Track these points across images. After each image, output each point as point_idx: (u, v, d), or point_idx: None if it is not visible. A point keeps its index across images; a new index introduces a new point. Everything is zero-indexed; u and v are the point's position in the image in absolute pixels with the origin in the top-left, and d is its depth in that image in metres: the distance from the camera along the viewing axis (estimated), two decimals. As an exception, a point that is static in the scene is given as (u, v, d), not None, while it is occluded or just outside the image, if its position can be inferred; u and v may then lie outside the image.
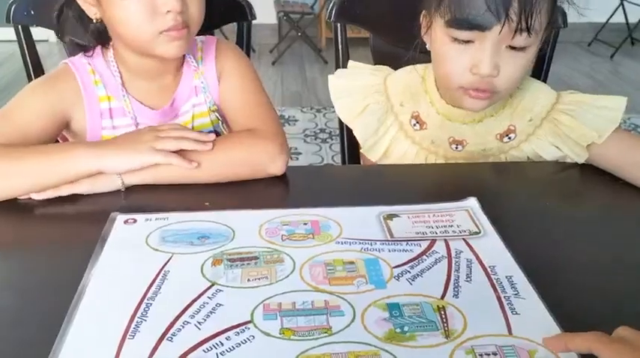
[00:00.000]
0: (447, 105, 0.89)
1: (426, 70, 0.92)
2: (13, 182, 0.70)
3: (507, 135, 0.89)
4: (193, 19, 0.79)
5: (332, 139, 2.66)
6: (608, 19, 3.87)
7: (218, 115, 0.89)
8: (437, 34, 0.82)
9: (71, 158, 0.71)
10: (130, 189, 0.73)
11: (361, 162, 1.05)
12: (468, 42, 0.78)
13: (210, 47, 0.90)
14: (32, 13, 1.02)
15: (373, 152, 0.92)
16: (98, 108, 0.84)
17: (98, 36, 0.84)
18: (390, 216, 0.69)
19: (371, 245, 0.63)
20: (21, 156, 0.71)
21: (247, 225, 0.66)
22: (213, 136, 0.78)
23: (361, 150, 0.94)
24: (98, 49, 0.86)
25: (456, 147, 0.90)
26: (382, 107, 0.92)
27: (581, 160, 0.85)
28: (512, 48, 0.78)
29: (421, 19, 0.87)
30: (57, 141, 0.85)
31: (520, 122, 0.89)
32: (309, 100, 3.15)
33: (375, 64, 1.09)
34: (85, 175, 0.71)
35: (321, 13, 3.90)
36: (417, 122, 0.90)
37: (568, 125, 0.86)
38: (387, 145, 0.91)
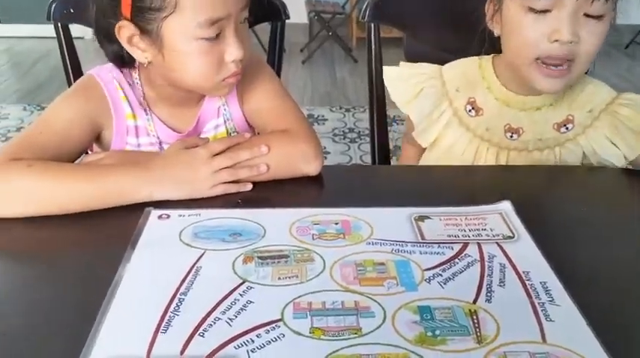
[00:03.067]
0: (507, 91, 0.89)
1: (482, 60, 0.93)
2: (60, 203, 0.68)
3: (565, 125, 0.89)
4: (245, 61, 0.79)
5: (360, 139, 2.65)
6: (648, 21, 3.76)
7: None
8: (511, 9, 0.82)
9: (127, 191, 0.69)
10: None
11: (395, 160, 1.06)
12: (545, 11, 0.79)
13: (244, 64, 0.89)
14: (72, 11, 1.04)
15: (424, 136, 0.93)
16: (125, 124, 0.84)
17: (120, 62, 0.81)
18: (422, 218, 0.68)
19: (402, 246, 0.63)
20: (71, 177, 0.69)
21: (278, 223, 0.67)
22: (249, 135, 0.79)
23: (413, 133, 0.94)
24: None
25: (511, 136, 0.90)
26: (437, 91, 0.92)
27: (633, 155, 0.85)
28: (589, 16, 0.78)
29: (487, 5, 0.88)
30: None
31: (579, 112, 0.89)
32: (338, 100, 3.15)
33: (409, 64, 1.09)
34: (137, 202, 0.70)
35: (352, 12, 3.89)
36: (473, 108, 0.91)
37: (627, 116, 0.87)
38: (439, 130, 0.92)
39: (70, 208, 0.68)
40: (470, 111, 0.91)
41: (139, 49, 0.76)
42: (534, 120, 0.89)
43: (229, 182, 0.73)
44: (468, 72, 0.93)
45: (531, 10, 0.79)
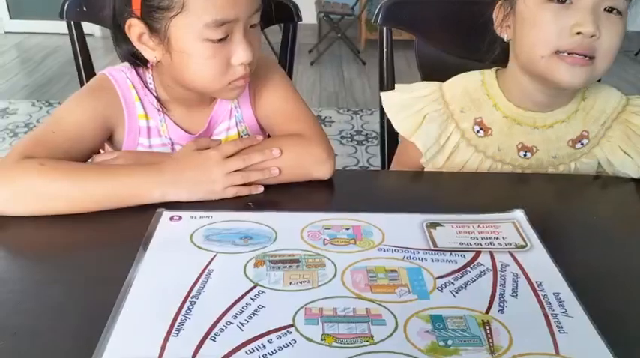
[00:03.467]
0: (516, 108, 0.86)
1: (484, 74, 0.90)
2: (72, 202, 0.68)
3: (580, 141, 0.87)
4: (254, 65, 0.79)
5: (368, 141, 2.65)
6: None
7: None
8: (528, 6, 0.80)
9: (141, 192, 0.70)
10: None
11: (392, 166, 1.04)
12: (565, 2, 0.77)
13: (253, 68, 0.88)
14: (85, 10, 1.04)
15: (434, 162, 0.89)
16: (137, 124, 0.84)
17: (132, 61, 0.82)
18: (434, 225, 0.68)
19: (414, 253, 0.63)
20: (84, 176, 0.69)
21: (289, 227, 0.67)
22: (261, 138, 0.79)
23: (421, 161, 0.90)
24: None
25: (524, 154, 0.87)
26: (442, 114, 0.89)
27: None
28: (609, 11, 0.77)
29: (495, 11, 0.86)
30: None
31: (594, 126, 0.87)
32: (346, 101, 3.14)
33: (421, 68, 1.09)
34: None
35: (361, 14, 3.89)
36: (481, 128, 0.87)
37: (639, 125, 0.85)
38: (448, 155, 0.89)
39: (81, 207, 0.68)
40: (478, 131, 0.88)
41: (148, 48, 0.76)
42: (548, 137, 0.87)
43: (241, 184, 0.73)
44: (470, 90, 0.89)
45: (550, 1, 0.77)
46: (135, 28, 0.75)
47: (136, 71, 0.84)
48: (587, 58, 0.78)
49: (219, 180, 0.72)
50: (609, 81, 0.98)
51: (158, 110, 0.84)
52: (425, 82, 0.93)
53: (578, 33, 0.76)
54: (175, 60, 0.75)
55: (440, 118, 0.89)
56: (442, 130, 0.89)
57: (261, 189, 0.74)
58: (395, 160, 1.02)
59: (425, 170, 0.91)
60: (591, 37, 0.76)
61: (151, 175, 0.71)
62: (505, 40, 0.86)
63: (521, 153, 0.87)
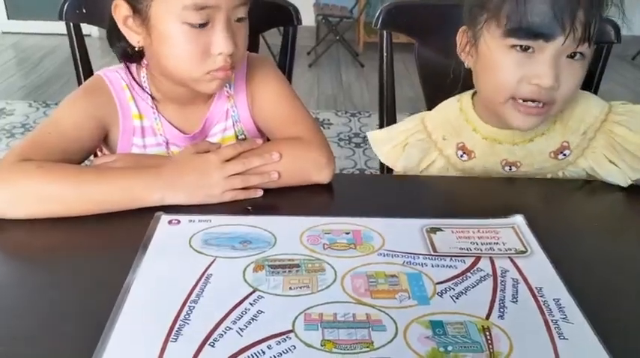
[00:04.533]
0: (492, 128, 0.87)
1: (461, 100, 0.91)
2: (70, 204, 0.67)
3: (562, 152, 0.87)
4: (239, 59, 0.79)
5: (366, 144, 2.65)
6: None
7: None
8: (489, 45, 0.79)
9: (139, 196, 0.69)
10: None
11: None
12: (526, 50, 0.76)
13: (242, 66, 0.88)
14: (84, 11, 1.04)
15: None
16: (131, 124, 0.84)
17: (126, 57, 0.82)
18: (434, 230, 0.68)
19: (414, 258, 0.63)
20: (82, 179, 0.69)
21: (289, 232, 0.66)
22: (260, 142, 0.78)
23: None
24: (133, 66, 0.84)
25: (510, 169, 0.88)
26: (424, 143, 0.90)
27: (636, 175, 0.82)
28: (572, 57, 0.76)
29: (458, 36, 0.85)
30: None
31: (573, 137, 0.87)
32: (344, 104, 3.14)
33: (421, 72, 1.09)
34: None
35: (359, 17, 3.89)
36: (464, 153, 0.88)
37: (623, 136, 0.84)
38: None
39: (80, 210, 0.68)
40: (462, 156, 0.88)
41: (132, 32, 0.77)
42: (529, 152, 0.87)
43: (240, 188, 0.73)
44: (450, 117, 0.90)
45: (513, 47, 0.76)
46: (120, 9, 0.76)
47: (131, 70, 0.84)
48: (542, 105, 0.78)
49: (218, 184, 0.72)
50: (605, 85, 0.98)
51: (152, 108, 0.84)
52: (408, 117, 0.94)
53: (536, 84, 0.76)
54: (155, 43, 0.75)
55: (422, 146, 0.90)
56: (424, 155, 0.90)
57: (260, 193, 0.74)
58: None
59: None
60: (549, 88, 0.76)
61: (149, 178, 0.70)
62: (466, 67, 0.86)
63: (507, 168, 0.88)
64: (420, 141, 0.90)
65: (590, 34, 0.74)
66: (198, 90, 0.80)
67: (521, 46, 0.76)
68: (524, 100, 0.78)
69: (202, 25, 0.73)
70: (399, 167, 0.91)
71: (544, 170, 0.88)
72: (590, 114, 0.86)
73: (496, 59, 0.79)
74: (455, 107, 0.91)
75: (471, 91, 0.90)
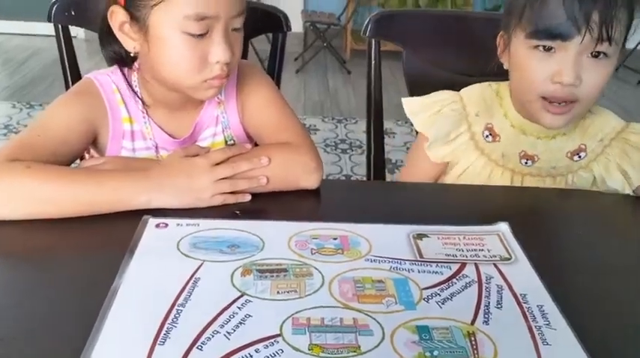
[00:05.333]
0: (523, 119, 0.91)
1: (499, 86, 0.94)
2: (58, 205, 0.67)
3: (578, 154, 0.91)
4: (234, 66, 0.80)
5: (352, 150, 2.66)
6: (637, 46, 3.83)
7: None
8: (517, 48, 0.84)
9: (128, 197, 0.69)
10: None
11: (401, 174, 1.06)
12: (549, 50, 0.80)
13: (232, 72, 0.87)
14: (73, 13, 1.04)
15: (435, 152, 0.93)
16: (121, 128, 0.84)
17: (116, 62, 0.83)
18: (420, 236, 0.68)
19: (400, 264, 0.63)
20: (70, 181, 0.68)
21: (277, 236, 0.67)
22: (249, 146, 0.79)
23: (425, 146, 0.94)
24: (124, 69, 0.84)
25: (526, 162, 0.91)
26: (457, 113, 0.93)
27: None
28: (595, 56, 0.80)
29: (498, 40, 0.90)
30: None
31: (591, 141, 0.91)
32: (330, 110, 3.16)
33: (408, 80, 1.10)
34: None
35: (347, 24, 3.92)
36: (490, 134, 0.92)
37: (637, 141, 0.89)
38: (452, 150, 0.93)
39: (67, 211, 0.68)
40: (487, 136, 0.92)
41: (128, 37, 0.77)
42: (549, 148, 0.91)
43: (229, 193, 0.73)
44: (486, 97, 0.94)
45: (536, 47, 0.81)
46: (117, 15, 0.76)
47: (122, 73, 0.83)
48: (568, 104, 0.82)
49: (207, 188, 0.72)
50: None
51: (142, 113, 0.84)
52: (446, 91, 0.96)
53: (558, 82, 0.80)
54: (152, 50, 0.76)
55: (454, 117, 0.93)
56: (454, 127, 0.93)
57: (248, 198, 0.74)
58: (407, 168, 1.05)
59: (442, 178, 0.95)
60: (571, 85, 0.80)
61: (137, 180, 0.70)
62: (505, 68, 0.90)
63: (523, 160, 0.91)
64: (453, 112, 0.93)
65: (609, 33, 0.77)
66: (194, 97, 0.80)
67: (543, 46, 0.80)
68: (551, 101, 0.82)
69: (201, 35, 0.74)
70: (429, 135, 0.93)
71: (557, 170, 0.92)
72: (609, 125, 0.92)
73: (523, 59, 0.84)
74: (490, 90, 0.95)
75: (506, 82, 0.94)
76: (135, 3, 0.74)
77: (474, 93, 0.95)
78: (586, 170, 0.91)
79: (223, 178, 0.73)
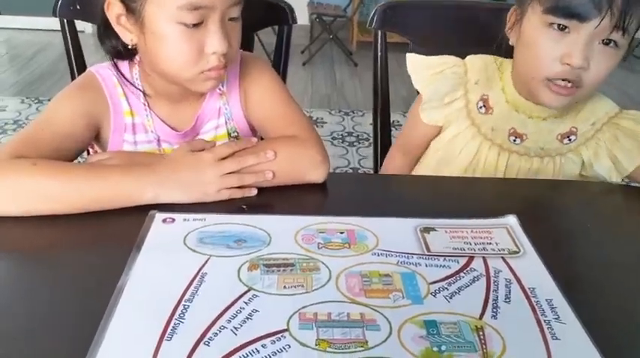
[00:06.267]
0: (518, 96, 0.90)
1: (503, 61, 0.94)
2: (65, 202, 0.67)
3: (568, 137, 0.91)
4: (232, 58, 0.79)
5: (359, 143, 2.65)
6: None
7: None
8: (531, 22, 0.83)
9: (135, 193, 0.69)
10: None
11: (393, 146, 1.06)
12: (563, 30, 0.80)
13: (235, 64, 0.88)
14: (78, 7, 1.03)
15: (428, 113, 0.94)
16: (123, 121, 0.84)
17: (116, 55, 0.82)
18: (427, 230, 0.68)
19: (407, 258, 0.63)
20: (76, 176, 0.68)
21: (283, 231, 0.66)
22: (255, 140, 0.78)
23: (419, 108, 0.95)
24: (125, 63, 0.84)
25: (514, 140, 0.91)
26: (457, 77, 0.94)
27: (632, 166, 0.87)
28: (606, 44, 0.79)
29: (509, 14, 0.89)
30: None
31: (582, 125, 0.91)
32: (337, 103, 3.15)
33: (415, 72, 1.09)
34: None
35: (353, 16, 3.89)
36: (484, 106, 0.92)
37: (628, 127, 0.89)
38: (445, 114, 0.93)
39: (74, 208, 0.68)
40: (480, 107, 0.92)
41: (126, 30, 0.77)
42: (539, 129, 0.91)
43: (235, 187, 0.73)
44: (489, 68, 0.94)
45: (551, 25, 0.80)
46: (113, 7, 0.75)
47: (120, 68, 0.83)
48: (571, 86, 0.82)
49: (213, 182, 0.72)
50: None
51: (144, 105, 0.84)
52: (452, 56, 0.97)
53: (567, 63, 0.80)
54: (149, 42, 0.75)
55: (454, 80, 0.93)
56: (451, 90, 0.93)
57: (254, 192, 0.74)
58: (402, 130, 1.05)
59: (410, 155, 0.99)
60: (579, 68, 0.79)
61: (143, 176, 0.70)
62: (510, 44, 0.90)
63: (512, 138, 0.92)
64: (454, 75, 0.94)
65: (625, 22, 0.77)
66: (193, 90, 0.80)
67: (558, 25, 0.80)
68: (555, 80, 0.82)
69: (196, 25, 0.73)
70: (424, 94, 0.94)
71: (545, 151, 0.91)
72: (602, 109, 0.91)
73: (535, 36, 0.83)
74: (494, 63, 0.94)
75: (511, 59, 0.93)
76: None
77: (478, 62, 0.95)
78: (575, 153, 0.91)
79: (230, 173, 0.73)
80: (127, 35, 0.77)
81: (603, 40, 0.79)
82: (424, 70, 0.96)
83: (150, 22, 0.74)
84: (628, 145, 0.88)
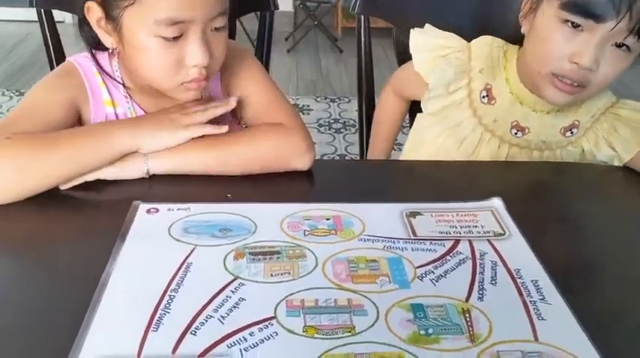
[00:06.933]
0: (523, 88, 0.89)
1: (508, 49, 0.92)
2: (49, 169, 0.67)
3: (570, 130, 0.90)
4: (214, 69, 0.77)
5: (346, 130, 2.65)
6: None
7: None
8: (545, 15, 0.81)
9: (111, 139, 0.70)
10: (152, 179, 0.73)
11: (368, 153, 1.06)
12: (577, 27, 0.77)
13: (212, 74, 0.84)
14: (55, -3, 1.01)
15: (432, 103, 0.92)
16: (103, 111, 0.82)
17: (94, 46, 0.80)
18: (413, 214, 0.68)
19: (394, 243, 0.63)
20: (55, 142, 0.69)
21: (269, 219, 0.66)
22: (235, 97, 0.80)
23: (422, 99, 0.94)
24: (104, 55, 0.82)
25: (516, 133, 0.90)
26: (462, 64, 0.91)
27: (629, 155, 0.86)
28: (618, 47, 0.77)
29: (524, 2, 0.86)
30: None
31: (584, 118, 0.90)
32: (323, 90, 3.13)
33: (399, 57, 1.08)
34: (121, 156, 0.71)
35: (337, 2, 3.87)
36: (487, 95, 0.90)
37: (625, 116, 0.88)
38: (447, 104, 0.92)
39: (60, 174, 0.68)
40: (484, 97, 0.90)
41: (106, 33, 0.75)
42: (543, 122, 0.89)
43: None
44: (494, 56, 0.91)
45: (565, 22, 0.78)
46: (93, 12, 0.73)
47: (98, 60, 0.82)
48: (576, 86, 0.80)
49: (179, 118, 0.74)
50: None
51: (125, 97, 0.83)
52: (457, 37, 0.94)
53: (575, 62, 0.78)
54: (127, 51, 0.74)
55: (458, 67, 0.91)
56: (455, 79, 0.91)
57: (225, 129, 0.75)
58: (388, 87, 1.05)
59: (405, 98, 0.99)
60: (588, 69, 0.78)
61: (124, 127, 0.73)
62: (522, 32, 0.87)
63: (514, 131, 0.90)
64: (458, 61, 0.91)
65: None
66: (173, 97, 0.79)
67: (572, 22, 0.77)
68: (561, 77, 0.80)
69: (176, 38, 0.71)
70: (430, 81, 0.92)
71: (546, 144, 0.90)
72: (601, 101, 0.90)
73: (547, 30, 0.80)
74: (499, 49, 0.92)
75: (518, 47, 0.91)
76: (109, 2, 0.71)
77: (484, 48, 0.92)
78: (575, 145, 0.91)
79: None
80: (107, 39, 0.75)
81: (616, 43, 0.77)
82: (428, 51, 0.93)
83: (128, 32, 0.71)
84: (625, 134, 0.87)
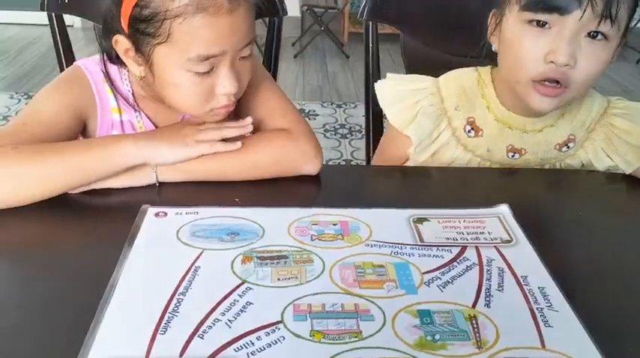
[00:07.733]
0: (507, 112, 0.86)
1: (480, 72, 0.89)
2: (54, 179, 0.68)
3: (567, 145, 0.88)
4: (240, 94, 0.78)
5: (352, 135, 2.65)
6: (636, 24, 3.79)
7: None
8: (510, 23, 0.78)
9: (118, 152, 0.70)
10: (161, 183, 0.73)
11: (374, 157, 1.05)
12: (544, 25, 0.74)
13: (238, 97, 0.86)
14: (66, 1, 1.02)
15: (422, 155, 0.89)
16: (110, 117, 0.83)
17: (109, 56, 0.80)
18: (420, 220, 0.68)
19: (401, 249, 0.63)
20: (62, 152, 0.69)
21: (277, 223, 0.66)
22: (250, 119, 0.79)
23: (409, 152, 0.89)
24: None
25: (513, 156, 0.87)
26: (436, 109, 0.87)
27: (630, 169, 0.84)
28: (593, 37, 0.74)
29: (489, 19, 0.84)
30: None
31: (579, 131, 0.88)
32: (329, 95, 3.14)
33: (407, 63, 1.09)
34: (128, 168, 0.71)
35: (344, 7, 3.88)
36: (472, 128, 0.87)
37: (621, 128, 0.86)
38: (435, 149, 0.88)
39: (64, 183, 0.68)
40: (469, 131, 0.87)
41: (135, 63, 0.75)
42: (537, 141, 0.87)
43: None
44: (466, 87, 0.88)
45: (531, 22, 0.75)
46: (121, 44, 0.74)
47: (109, 71, 0.82)
48: (559, 86, 0.77)
49: (191, 134, 0.74)
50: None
51: (134, 107, 0.83)
52: (420, 76, 0.91)
53: (551, 61, 0.75)
54: (157, 83, 0.75)
55: (434, 113, 0.88)
56: (435, 126, 0.88)
57: (238, 145, 0.75)
58: (379, 152, 1.00)
59: (409, 164, 0.92)
60: (565, 66, 0.74)
61: (125, 137, 0.73)
62: (493, 50, 0.85)
63: (511, 154, 0.88)
64: (431, 107, 0.87)
65: (612, 10, 0.71)
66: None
67: (537, 21, 0.74)
68: (542, 81, 0.77)
69: (207, 72, 0.72)
70: (413, 137, 0.87)
71: (545, 161, 0.89)
72: (594, 108, 0.88)
73: (515, 36, 0.77)
74: (472, 77, 0.88)
75: (489, 67, 0.89)
76: (138, 37, 0.71)
77: (453, 82, 0.88)
78: (573, 158, 0.89)
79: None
80: (137, 68, 0.75)
81: (590, 33, 0.73)
82: (398, 103, 0.88)
83: (159, 68, 0.72)
84: (624, 149, 0.85)
